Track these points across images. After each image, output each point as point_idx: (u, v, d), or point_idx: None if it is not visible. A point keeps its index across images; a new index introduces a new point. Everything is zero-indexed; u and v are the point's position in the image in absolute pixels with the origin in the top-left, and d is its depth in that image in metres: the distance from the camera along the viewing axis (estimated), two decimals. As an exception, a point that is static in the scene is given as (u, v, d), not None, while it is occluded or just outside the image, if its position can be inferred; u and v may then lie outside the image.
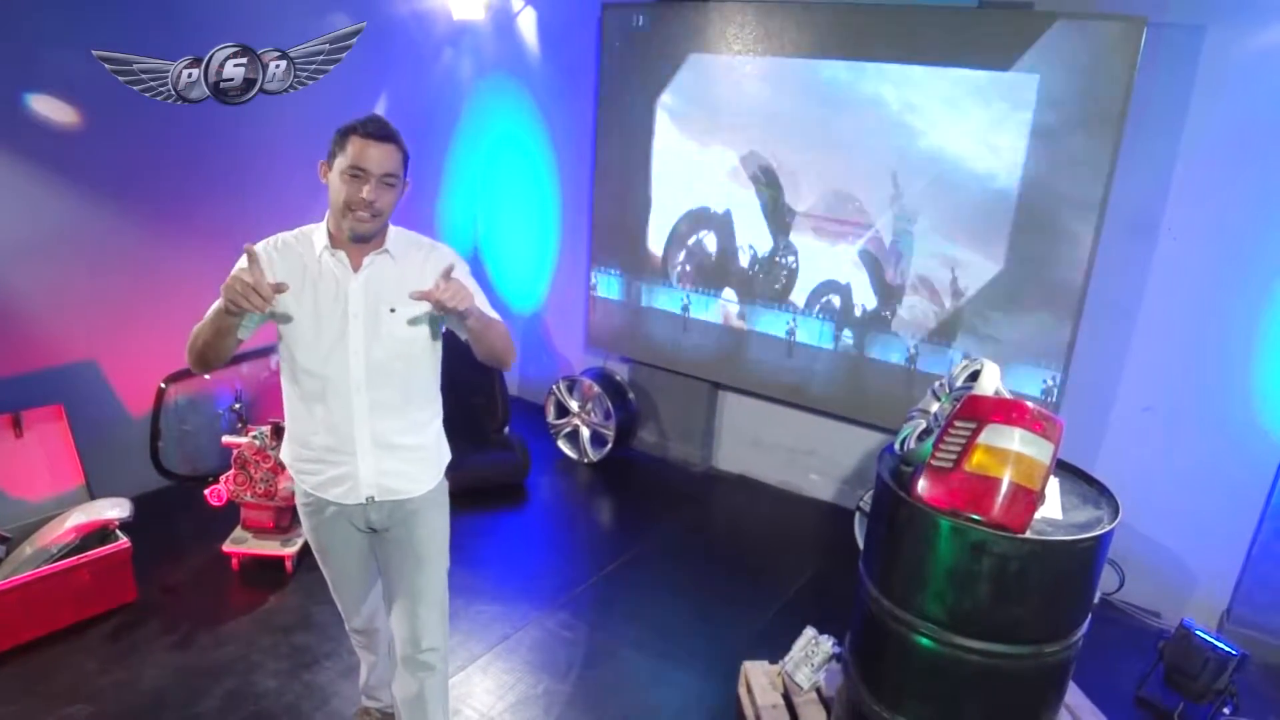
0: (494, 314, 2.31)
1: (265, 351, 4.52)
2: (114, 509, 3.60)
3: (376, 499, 2.35)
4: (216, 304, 2.09)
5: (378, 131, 2.14)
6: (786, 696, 3.09)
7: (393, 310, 2.24)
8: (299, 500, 2.48)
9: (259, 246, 2.16)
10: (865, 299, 4.30)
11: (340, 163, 2.13)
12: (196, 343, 2.19)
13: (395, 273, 2.25)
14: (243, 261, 2.07)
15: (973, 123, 3.84)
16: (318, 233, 2.25)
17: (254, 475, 3.76)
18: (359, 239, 2.20)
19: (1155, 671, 3.37)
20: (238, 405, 4.26)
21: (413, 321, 2.27)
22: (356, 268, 2.23)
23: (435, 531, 2.48)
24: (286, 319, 2.23)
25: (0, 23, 3.44)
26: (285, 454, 2.45)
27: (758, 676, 3.17)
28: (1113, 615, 3.87)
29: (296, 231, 2.29)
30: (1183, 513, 3.81)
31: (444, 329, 2.38)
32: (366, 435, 2.29)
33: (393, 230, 2.29)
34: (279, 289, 2.04)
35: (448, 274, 2.10)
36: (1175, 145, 3.60)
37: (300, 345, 2.24)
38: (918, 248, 4.09)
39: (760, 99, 4.36)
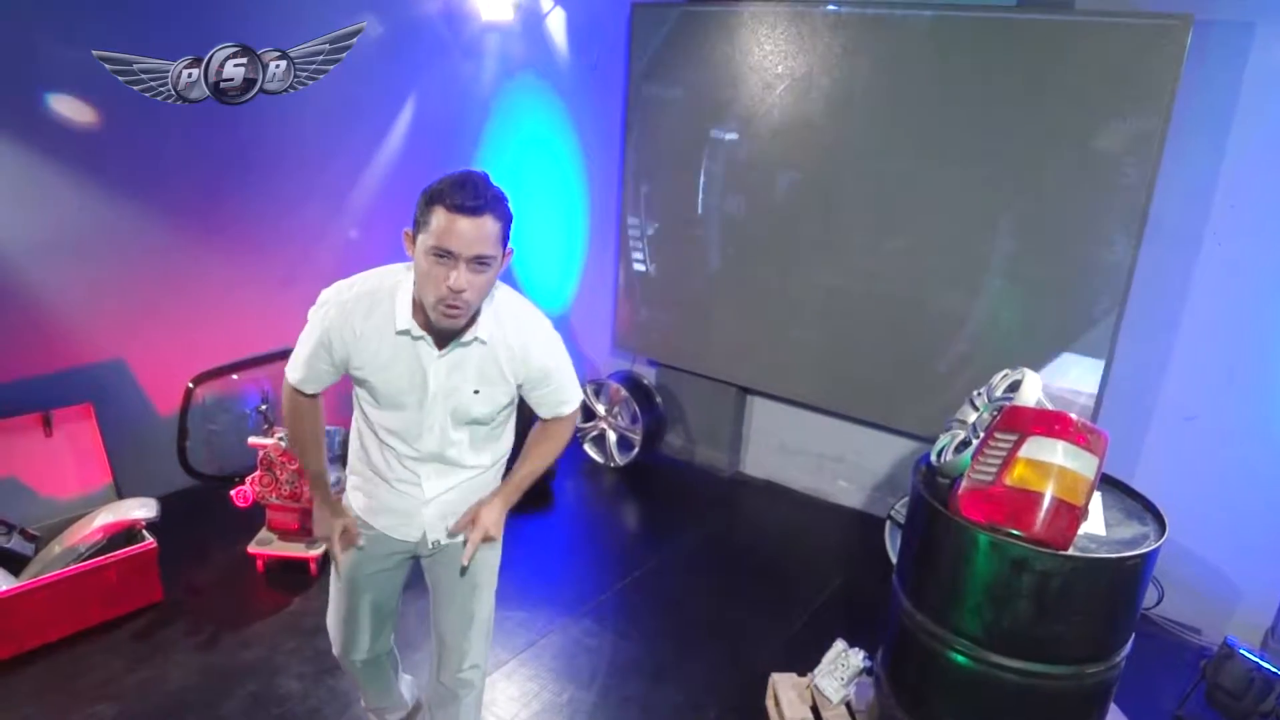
0: (568, 397, 2.23)
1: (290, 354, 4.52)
2: (141, 509, 3.61)
3: (443, 542, 2.28)
4: (319, 496, 2.31)
5: (469, 204, 1.78)
6: (815, 710, 3.03)
7: (477, 392, 2.06)
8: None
9: (345, 298, 2.00)
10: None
11: (424, 240, 1.82)
12: (294, 445, 2.33)
13: (484, 354, 2.04)
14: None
15: (1010, 124, 3.75)
16: (401, 302, 1.97)
17: (279, 477, 3.75)
18: (445, 328, 1.96)
19: (1197, 691, 3.28)
20: (264, 406, 4.26)
21: (495, 403, 2.11)
22: (441, 346, 2.00)
23: (490, 561, 2.40)
24: (363, 380, 2.08)
25: (15, 22, 3.46)
26: (350, 498, 2.34)
27: (786, 689, 3.11)
28: (1151, 631, 3.77)
29: (379, 277, 2.03)
30: (1225, 526, 3.70)
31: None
32: (434, 489, 2.20)
33: (488, 311, 2.01)
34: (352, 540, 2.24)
35: (476, 520, 2.20)
36: (1222, 147, 3.49)
37: (374, 403, 2.11)
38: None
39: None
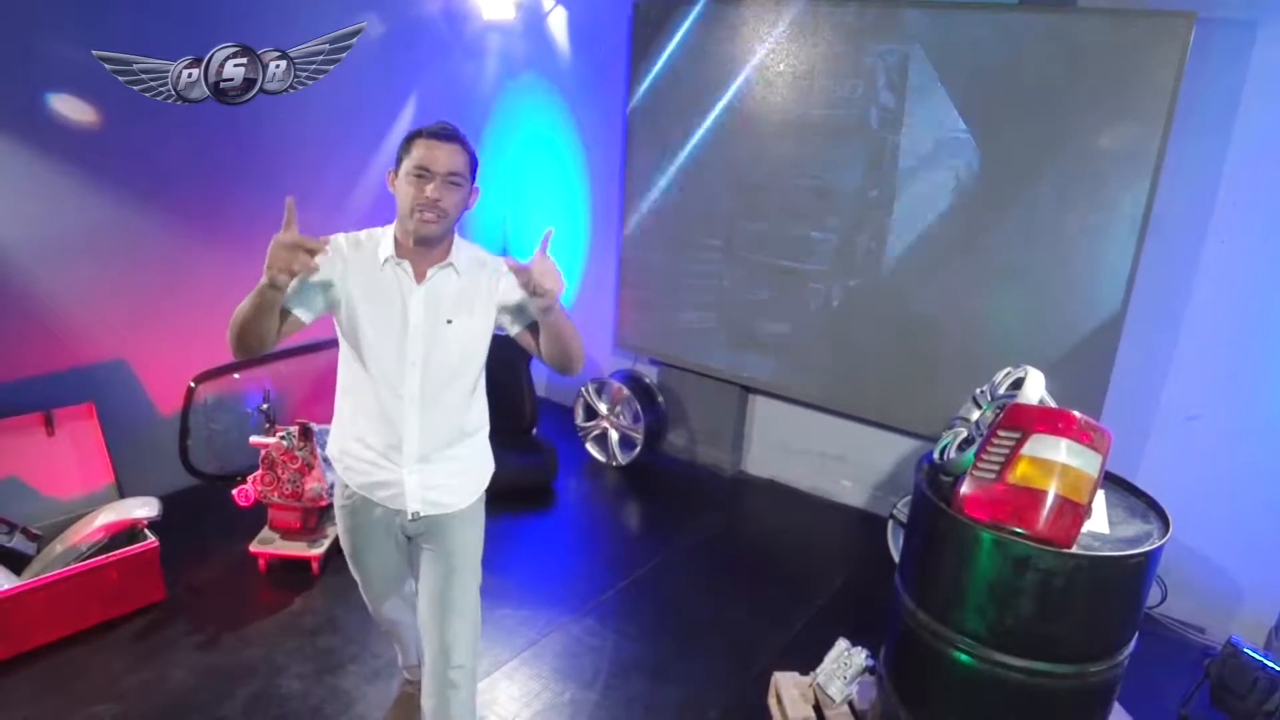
0: None
1: (298, 351, 4.52)
2: (142, 508, 3.60)
3: (421, 513, 2.34)
4: (261, 281, 2.01)
5: (442, 132, 2.15)
6: (818, 709, 3.02)
7: (449, 322, 2.22)
8: (338, 500, 2.46)
9: (337, 236, 2.22)
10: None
11: (406, 165, 2.13)
12: (235, 323, 2.10)
13: (457, 286, 2.24)
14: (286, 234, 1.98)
15: (1013, 122, 3.74)
16: (385, 238, 2.23)
17: (281, 476, 3.75)
18: (423, 241, 2.18)
19: (1201, 690, 3.26)
20: (266, 405, 4.25)
21: (469, 335, 2.26)
22: (420, 279, 2.21)
23: (469, 544, 2.45)
24: (350, 315, 2.21)
25: (15, 23, 3.46)
26: (332, 450, 2.43)
27: (788, 688, 3.11)
28: (1154, 630, 3.76)
29: (366, 231, 2.28)
30: (1229, 525, 3.69)
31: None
32: (414, 449, 2.28)
33: (458, 242, 2.28)
34: (317, 249, 1.97)
35: (544, 249, 2.08)
36: (1225, 145, 3.48)
37: (358, 347, 2.24)
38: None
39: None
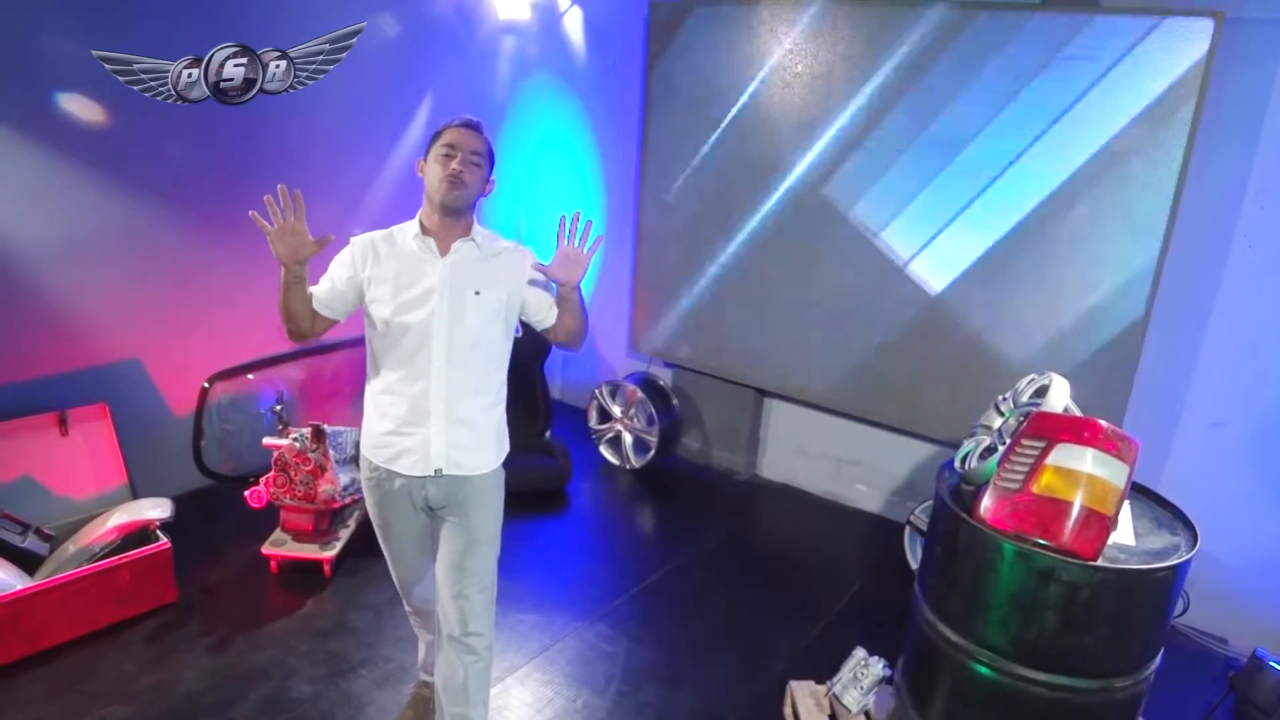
0: None
1: (312, 353, 4.51)
2: (155, 509, 3.60)
3: (445, 471, 2.45)
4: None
5: (466, 121, 2.45)
6: (834, 718, 2.98)
7: (477, 293, 2.42)
8: (364, 476, 2.58)
9: (366, 235, 2.46)
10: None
11: (435, 150, 2.40)
12: (279, 309, 2.36)
13: (479, 260, 2.46)
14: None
15: (1035, 124, 3.68)
16: (411, 225, 2.46)
17: (294, 478, 3.73)
18: (448, 213, 2.40)
19: (1225, 703, 3.20)
20: (279, 407, 4.24)
21: (494, 306, 2.44)
22: (444, 253, 2.42)
23: (489, 515, 2.56)
24: (380, 292, 2.40)
25: (16, 23, 3.45)
26: (366, 428, 2.55)
27: (804, 697, 3.07)
28: (1177, 641, 3.69)
29: (392, 228, 2.50)
30: (1254, 534, 3.62)
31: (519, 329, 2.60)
32: (441, 409, 2.42)
33: (478, 226, 2.50)
34: (322, 241, 2.27)
35: (567, 239, 2.44)
36: (1253, 148, 3.42)
37: (388, 316, 2.40)
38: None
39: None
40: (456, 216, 2.42)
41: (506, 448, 2.63)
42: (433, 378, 2.41)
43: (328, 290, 2.42)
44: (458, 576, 2.50)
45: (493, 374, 2.53)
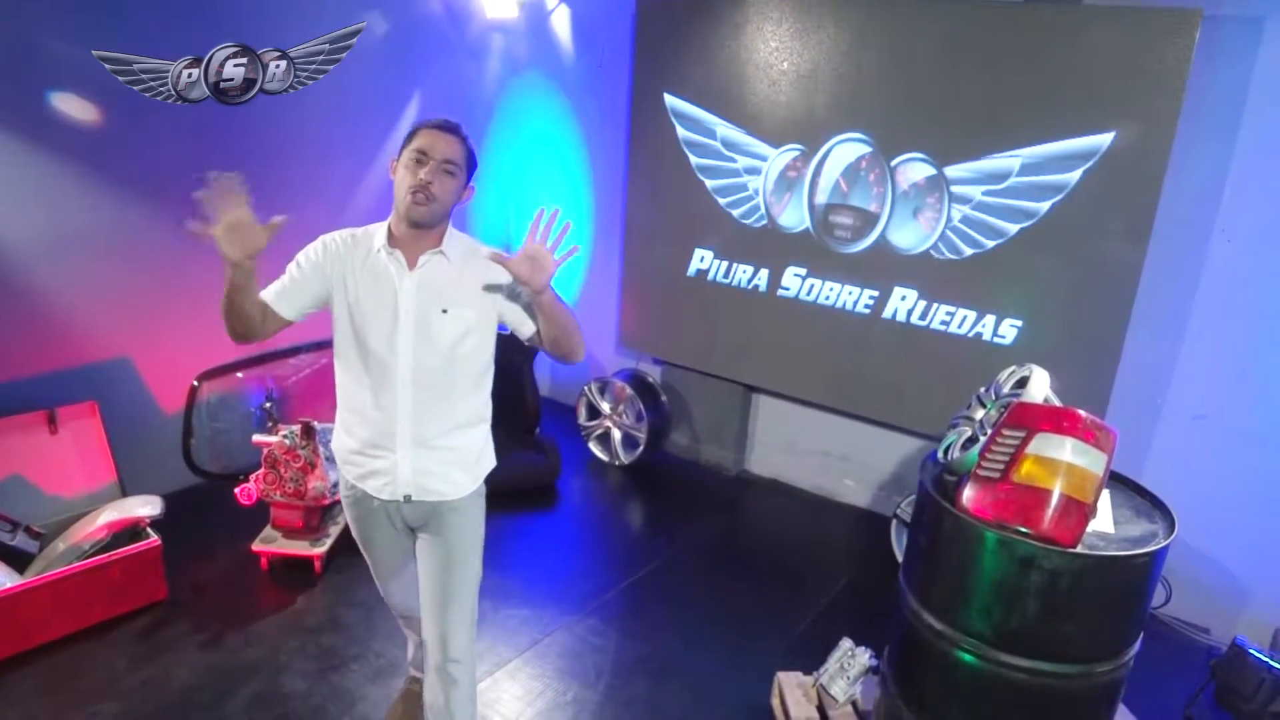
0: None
1: (298, 350, 4.52)
2: (145, 506, 3.61)
3: (414, 498, 2.35)
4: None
5: (442, 123, 2.23)
6: (821, 709, 3.01)
7: (444, 311, 2.25)
8: (342, 491, 2.51)
9: (331, 235, 2.31)
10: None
11: (406, 154, 2.21)
12: (222, 310, 2.18)
13: (450, 275, 2.27)
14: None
15: (1018, 120, 3.72)
16: (380, 230, 2.29)
17: (284, 475, 3.74)
18: (415, 225, 2.22)
19: (1206, 691, 3.25)
20: (269, 404, 4.26)
21: (462, 326, 2.27)
22: (411, 266, 2.25)
23: (466, 536, 2.45)
24: (343, 305, 2.27)
25: (16, 23, 3.46)
26: (335, 444, 2.46)
27: (792, 688, 3.10)
28: (1159, 630, 3.74)
29: (362, 228, 2.34)
30: (1234, 525, 3.67)
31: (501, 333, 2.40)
32: (408, 433, 2.29)
33: (451, 232, 2.31)
34: (273, 226, 2.07)
35: (534, 235, 2.14)
36: (1231, 143, 3.46)
37: (352, 335, 2.28)
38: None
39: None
40: (426, 229, 2.24)
41: (489, 465, 2.50)
42: (399, 401, 2.26)
43: (286, 284, 2.27)
44: (438, 598, 2.42)
45: (467, 395, 2.35)
